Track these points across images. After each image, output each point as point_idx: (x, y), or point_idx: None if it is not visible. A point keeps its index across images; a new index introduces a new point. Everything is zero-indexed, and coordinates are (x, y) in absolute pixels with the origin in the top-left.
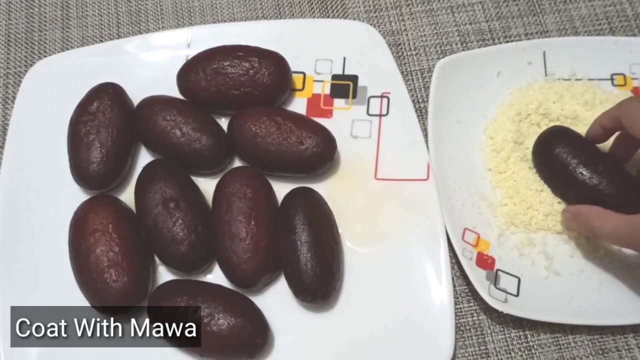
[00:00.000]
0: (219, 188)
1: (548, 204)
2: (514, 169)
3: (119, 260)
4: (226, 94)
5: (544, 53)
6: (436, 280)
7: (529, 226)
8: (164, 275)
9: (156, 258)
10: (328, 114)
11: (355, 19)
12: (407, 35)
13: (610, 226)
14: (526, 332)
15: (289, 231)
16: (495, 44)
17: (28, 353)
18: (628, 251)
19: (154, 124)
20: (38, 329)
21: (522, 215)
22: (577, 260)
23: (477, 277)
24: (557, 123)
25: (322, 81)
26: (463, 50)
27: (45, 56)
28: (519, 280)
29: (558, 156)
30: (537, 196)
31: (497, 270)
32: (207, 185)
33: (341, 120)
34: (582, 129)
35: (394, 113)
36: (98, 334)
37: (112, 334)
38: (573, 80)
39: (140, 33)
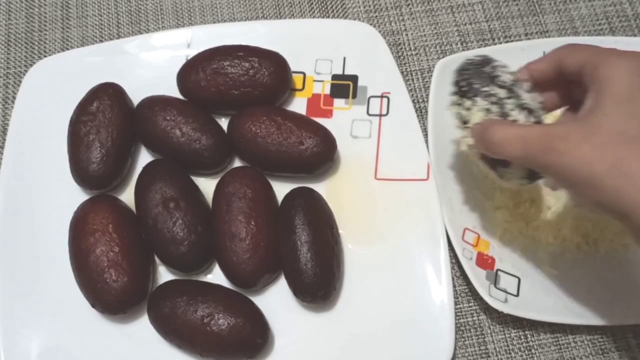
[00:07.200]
0: (219, 188)
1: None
2: None
3: (119, 260)
4: (226, 94)
5: (544, 53)
6: (436, 280)
7: (523, 232)
8: (164, 275)
9: (156, 258)
10: (328, 114)
11: (355, 19)
12: (407, 35)
13: (501, 135)
14: (526, 332)
15: (289, 231)
16: (495, 44)
17: (28, 353)
18: (628, 251)
19: (154, 124)
20: (38, 328)
21: (516, 222)
22: (577, 260)
23: (477, 277)
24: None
25: (322, 81)
26: (463, 50)
27: (45, 56)
28: (519, 280)
29: None
30: (530, 205)
31: (497, 270)
32: (207, 185)
33: (341, 120)
34: None
35: (394, 113)
36: (98, 334)
37: (112, 334)
38: None
39: (140, 33)
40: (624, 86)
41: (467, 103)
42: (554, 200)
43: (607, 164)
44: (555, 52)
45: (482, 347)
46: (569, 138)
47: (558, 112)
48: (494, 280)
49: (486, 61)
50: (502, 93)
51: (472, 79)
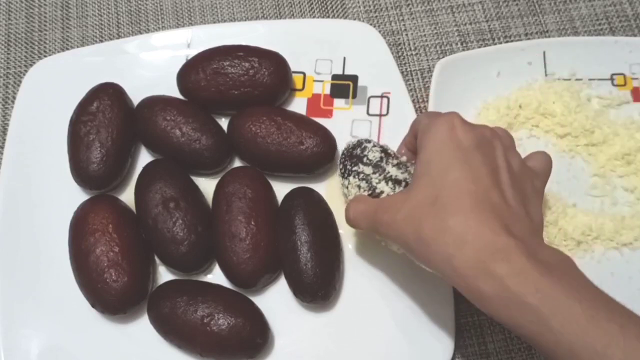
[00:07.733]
0: (219, 188)
1: None
2: None
3: (119, 260)
4: (226, 94)
5: (544, 53)
6: (436, 280)
7: None
8: (164, 275)
9: (156, 258)
10: (328, 114)
11: (355, 19)
12: (407, 35)
13: (352, 212)
14: None
15: (289, 231)
16: (495, 44)
17: (28, 353)
18: (626, 251)
19: (154, 124)
20: (38, 328)
21: None
22: (576, 260)
23: None
24: (557, 122)
25: (322, 81)
26: (463, 50)
27: (45, 56)
28: None
29: None
30: None
31: None
32: (207, 185)
33: (341, 120)
34: None
35: (394, 113)
36: (98, 334)
37: (112, 334)
38: (573, 80)
39: (140, 33)
40: (429, 153)
41: (345, 182)
42: (553, 201)
43: (413, 232)
44: (412, 123)
45: (482, 347)
46: (390, 209)
47: None
48: None
49: (358, 144)
50: (367, 170)
51: (346, 161)
